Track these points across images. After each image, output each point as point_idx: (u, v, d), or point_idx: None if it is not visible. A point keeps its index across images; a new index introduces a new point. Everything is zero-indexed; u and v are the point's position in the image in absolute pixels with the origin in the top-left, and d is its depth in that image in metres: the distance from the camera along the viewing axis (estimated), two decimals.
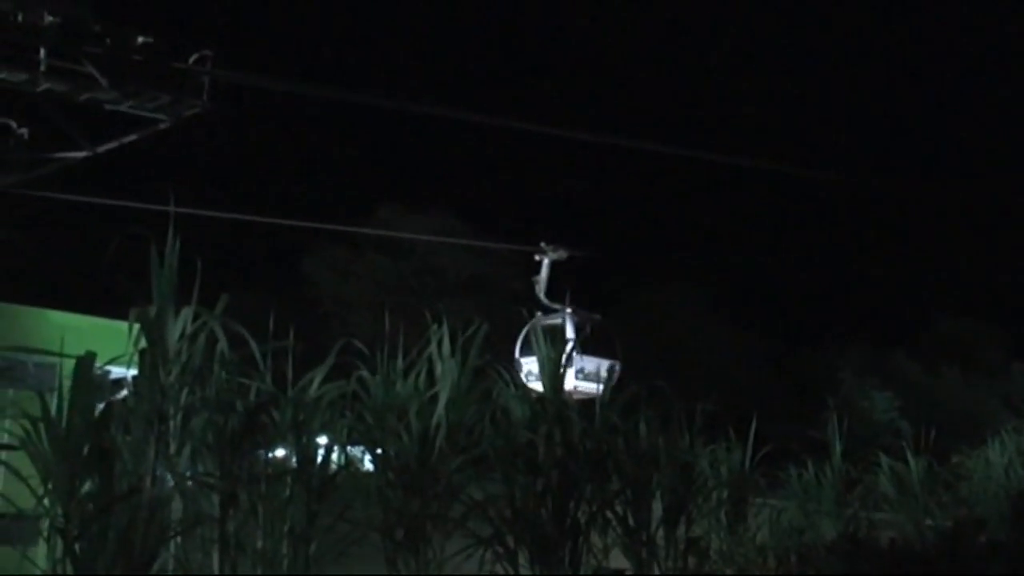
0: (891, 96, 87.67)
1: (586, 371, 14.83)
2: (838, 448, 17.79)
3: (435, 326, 11.89)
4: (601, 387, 13.46)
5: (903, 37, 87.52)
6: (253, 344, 10.25)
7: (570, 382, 14.05)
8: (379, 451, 11.46)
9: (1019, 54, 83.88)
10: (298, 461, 10.55)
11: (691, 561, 13.76)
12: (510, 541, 11.79)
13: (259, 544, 10.17)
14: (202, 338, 9.84)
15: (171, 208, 9.96)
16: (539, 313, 14.42)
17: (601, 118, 66.42)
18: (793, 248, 62.98)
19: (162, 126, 12.08)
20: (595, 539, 12.65)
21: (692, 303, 50.56)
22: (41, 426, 9.18)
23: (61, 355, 9.95)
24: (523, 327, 12.84)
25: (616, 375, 14.33)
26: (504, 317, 13.01)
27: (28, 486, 9.19)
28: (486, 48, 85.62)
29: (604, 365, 15.18)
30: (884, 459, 19.36)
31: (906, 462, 19.38)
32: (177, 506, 9.91)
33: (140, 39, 11.58)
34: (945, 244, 65.04)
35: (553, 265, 21.76)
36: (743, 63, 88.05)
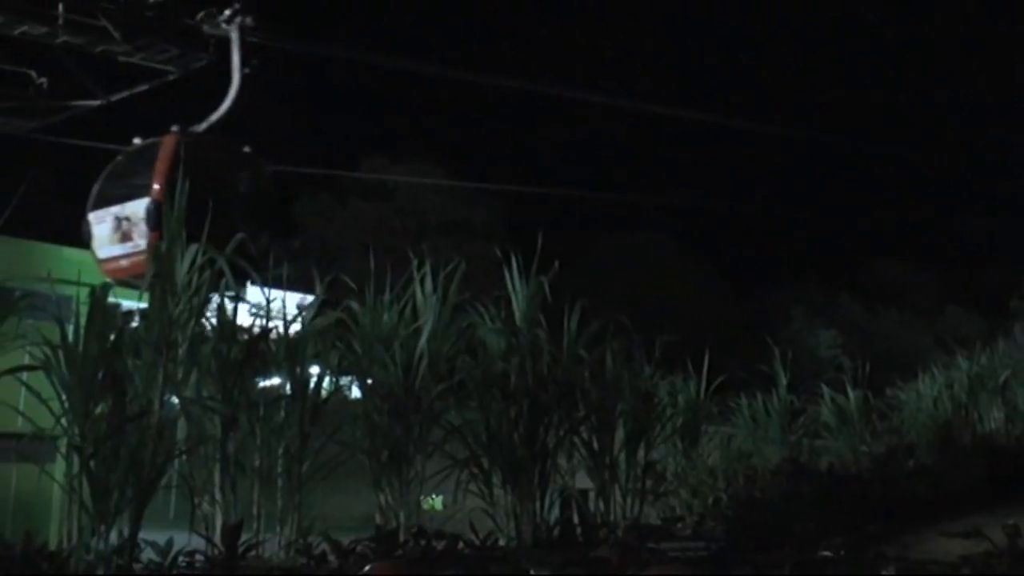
0: (842, 51, 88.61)
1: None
2: (784, 381, 18.74)
3: (417, 264, 12.53)
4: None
5: None
6: (255, 277, 10.92)
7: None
8: (366, 379, 12.13)
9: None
10: (292, 388, 11.20)
11: (649, 482, 14.47)
12: (485, 462, 12.52)
13: (256, 463, 10.87)
14: (208, 273, 10.47)
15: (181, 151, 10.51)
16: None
17: (573, 71, 67.22)
18: (752, 196, 64.31)
19: (171, 77, 12.50)
20: (562, 461, 13.44)
21: (657, 247, 51.83)
22: (60, 352, 9.85)
23: (78, 284, 10.48)
24: (499, 265, 13.01)
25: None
26: (481, 256, 13.56)
27: (48, 407, 9.88)
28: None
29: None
30: (826, 391, 20.38)
31: (846, 395, 20.40)
32: (182, 427, 10.63)
33: None
34: (890, 194, 66.83)
35: None
36: (710, 15, 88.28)
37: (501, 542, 12.02)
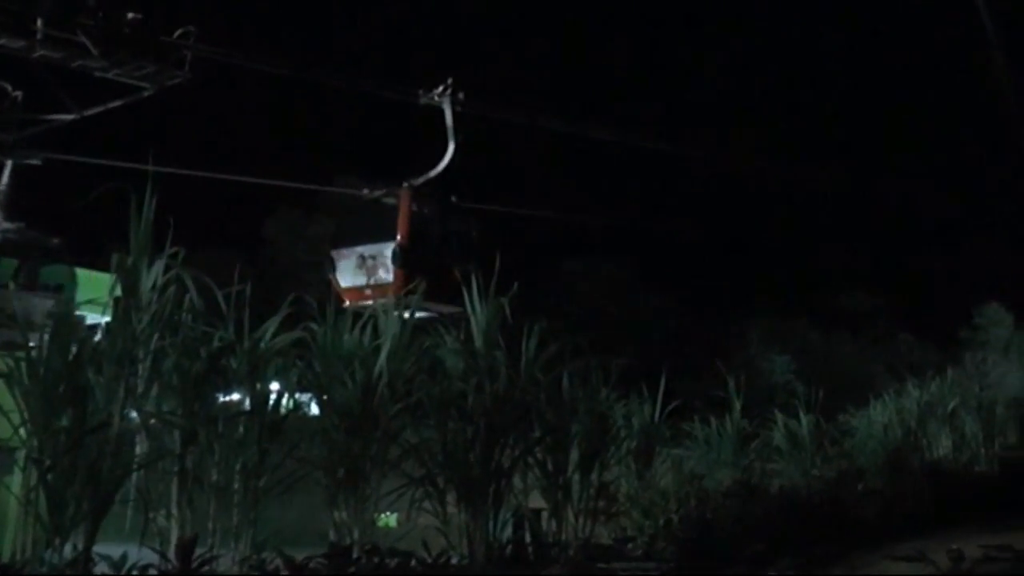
0: (807, 84, 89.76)
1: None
2: (737, 406, 19.02)
3: None
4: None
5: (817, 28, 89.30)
6: (219, 294, 11.05)
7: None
8: (325, 397, 12.23)
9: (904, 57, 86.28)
10: (252, 404, 11.31)
11: (601, 502, 14.70)
12: (440, 481, 12.67)
13: (214, 478, 10.93)
14: (172, 289, 10.59)
15: (149, 167, 10.63)
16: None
17: (535, 94, 67.89)
18: (715, 224, 65.06)
19: (145, 94, 12.57)
20: (517, 481, 13.57)
21: (617, 271, 52.10)
22: (22, 364, 9.89)
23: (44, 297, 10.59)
24: (471, 287, 12.99)
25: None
26: None
27: (7, 419, 9.93)
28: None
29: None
30: (779, 416, 20.70)
31: (798, 419, 20.73)
32: (142, 441, 10.63)
33: (130, 15, 12.07)
34: (847, 226, 68.03)
35: None
36: (666, 40, 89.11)
37: (454, 560, 12.12)
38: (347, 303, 12.35)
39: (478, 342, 13.43)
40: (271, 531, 11.15)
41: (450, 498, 12.68)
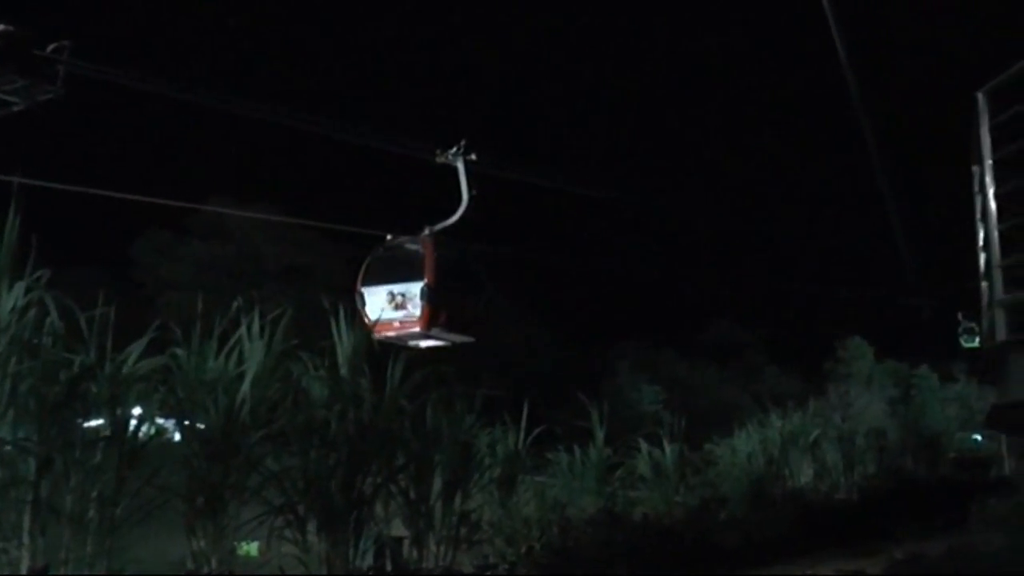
0: (679, 120, 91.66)
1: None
2: (601, 434, 19.35)
3: (246, 309, 12.70)
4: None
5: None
6: (82, 318, 10.98)
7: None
8: (187, 423, 12.17)
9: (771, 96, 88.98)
10: (111, 430, 11.20)
11: (464, 530, 14.75)
12: (300, 509, 12.64)
13: (69, 506, 10.70)
14: (33, 311, 10.49)
15: (16, 179, 10.53)
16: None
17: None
18: (584, 255, 65.88)
19: (16, 108, 12.32)
20: (379, 509, 13.64)
21: (487, 298, 52.16)
22: None
23: None
24: (336, 314, 13.48)
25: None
26: (318, 304, 13.87)
27: None
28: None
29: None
30: (643, 444, 21.11)
31: (662, 448, 21.17)
32: None
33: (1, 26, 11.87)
34: (718, 260, 69.68)
35: None
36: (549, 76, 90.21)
37: None
38: (375, 334, 13.75)
39: (343, 369, 13.52)
40: (127, 561, 11.00)
41: (311, 526, 12.65)
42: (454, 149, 14.96)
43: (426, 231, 14.47)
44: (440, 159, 15.04)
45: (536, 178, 20.57)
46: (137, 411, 11.58)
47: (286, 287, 41.20)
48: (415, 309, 13.83)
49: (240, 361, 12.51)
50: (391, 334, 14.04)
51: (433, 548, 14.15)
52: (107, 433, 11.19)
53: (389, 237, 14.56)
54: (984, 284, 8.85)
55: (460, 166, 14.91)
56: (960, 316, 36.36)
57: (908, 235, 23.53)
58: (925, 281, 31.19)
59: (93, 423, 11.34)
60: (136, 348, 11.63)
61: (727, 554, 19.07)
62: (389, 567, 13.53)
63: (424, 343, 14.15)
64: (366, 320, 14.22)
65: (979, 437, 46.03)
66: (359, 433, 13.19)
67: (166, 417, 12.22)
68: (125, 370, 11.49)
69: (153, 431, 11.83)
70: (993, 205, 8.73)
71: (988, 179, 9.03)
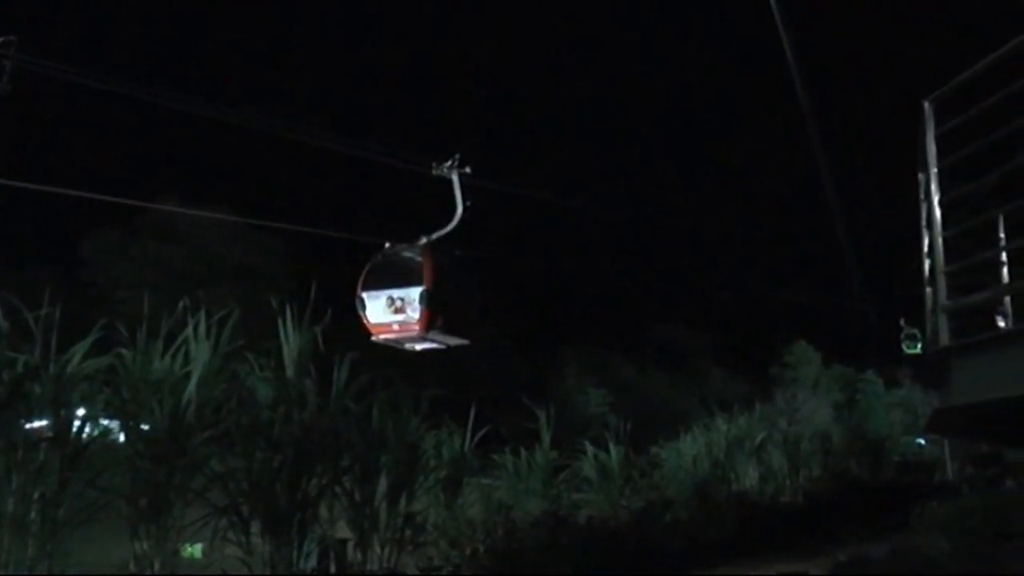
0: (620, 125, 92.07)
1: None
2: (547, 437, 19.48)
3: (192, 309, 12.69)
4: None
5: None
6: (29, 317, 10.97)
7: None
8: (132, 423, 12.12)
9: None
10: (55, 430, 11.16)
11: (408, 532, 14.77)
12: (245, 511, 12.66)
13: (10, 508, 10.66)
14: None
15: None
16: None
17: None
18: (531, 258, 65.97)
19: None
20: (324, 511, 13.63)
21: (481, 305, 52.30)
22: None
23: None
24: (285, 315, 13.69)
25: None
26: (268, 304, 13.98)
27: None
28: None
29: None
30: (589, 447, 21.25)
31: (608, 451, 21.31)
32: None
33: None
34: (664, 262, 70.09)
35: None
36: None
37: None
38: (375, 336, 14.19)
39: (289, 370, 13.56)
40: (69, 563, 10.95)
41: (255, 528, 12.66)
42: (449, 162, 15.53)
43: (423, 240, 14.88)
44: (436, 172, 15.55)
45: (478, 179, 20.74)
46: (81, 411, 11.54)
47: (236, 288, 41.01)
48: (414, 313, 14.20)
49: (186, 361, 12.51)
50: (390, 336, 14.35)
51: (378, 550, 14.18)
52: (50, 434, 11.15)
53: (387, 245, 14.92)
54: (929, 290, 9.06)
55: (455, 178, 15.44)
56: (903, 322, 36.83)
57: (854, 241, 23.84)
58: (870, 287, 31.58)
59: (36, 424, 11.30)
60: (80, 348, 11.61)
61: (671, 556, 19.23)
62: (333, 569, 13.57)
63: (421, 345, 14.39)
64: (366, 323, 14.51)
65: (923, 441, 46.61)
66: (304, 434, 13.24)
67: (111, 418, 12.17)
68: (69, 370, 11.47)
69: (97, 432, 11.83)
70: (938, 212, 8.93)
71: (933, 187, 9.23)
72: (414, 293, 14.22)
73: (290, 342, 13.74)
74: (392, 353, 14.22)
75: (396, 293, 14.36)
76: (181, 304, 12.79)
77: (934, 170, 9.13)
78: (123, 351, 12.20)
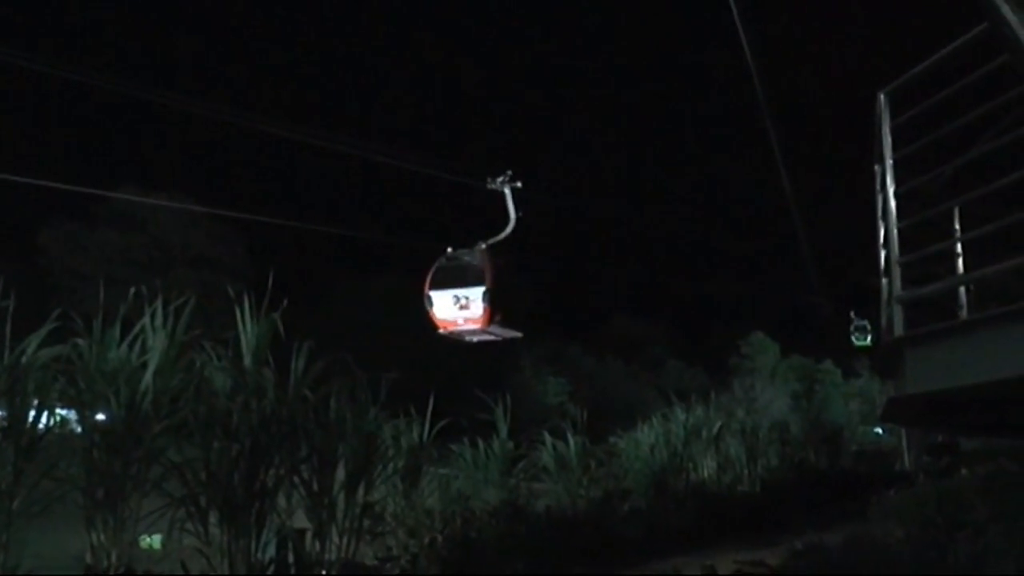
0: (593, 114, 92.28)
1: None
2: (505, 427, 19.54)
3: (149, 298, 12.60)
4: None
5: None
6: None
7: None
8: (87, 414, 12.03)
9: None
10: (9, 421, 11.06)
11: (367, 522, 14.79)
12: (202, 501, 12.58)
13: None
14: None
15: None
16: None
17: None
18: (492, 249, 66.36)
19: None
20: (282, 501, 13.54)
21: (400, 291, 52.25)
22: None
23: None
24: (243, 304, 13.78)
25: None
26: (226, 293, 13.92)
27: None
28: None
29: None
30: (547, 437, 21.31)
31: (566, 441, 21.37)
32: None
33: None
34: (622, 256, 70.51)
35: None
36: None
37: None
38: (441, 330, 16.51)
39: (247, 360, 13.49)
40: (24, 555, 10.83)
41: (213, 518, 12.58)
42: (502, 177, 17.72)
43: (482, 245, 17.08)
44: (491, 186, 17.79)
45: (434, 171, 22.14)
46: (36, 402, 11.42)
47: (194, 276, 40.80)
48: (477, 309, 16.32)
49: (143, 351, 12.42)
50: (455, 330, 16.51)
51: (335, 540, 14.15)
52: (4, 424, 11.06)
53: (449, 250, 16.97)
54: (884, 280, 9.12)
55: (507, 191, 17.66)
56: (852, 315, 37.10)
57: (810, 233, 23.99)
58: (826, 279, 31.80)
59: None
60: (35, 338, 11.50)
61: (629, 545, 19.35)
62: (291, 559, 13.51)
63: (479, 338, 16.73)
64: (433, 318, 16.57)
65: (880, 431, 47.15)
66: (262, 424, 13.17)
67: (67, 408, 12.07)
68: (24, 360, 11.35)
69: (52, 422, 11.73)
70: (893, 203, 8.99)
71: (889, 178, 9.30)
72: (477, 292, 16.35)
73: (248, 331, 13.65)
74: (359, 340, 14.25)
75: (461, 292, 16.44)
76: (132, 290, 12.73)
77: (889, 162, 9.21)
78: (79, 341, 12.08)
